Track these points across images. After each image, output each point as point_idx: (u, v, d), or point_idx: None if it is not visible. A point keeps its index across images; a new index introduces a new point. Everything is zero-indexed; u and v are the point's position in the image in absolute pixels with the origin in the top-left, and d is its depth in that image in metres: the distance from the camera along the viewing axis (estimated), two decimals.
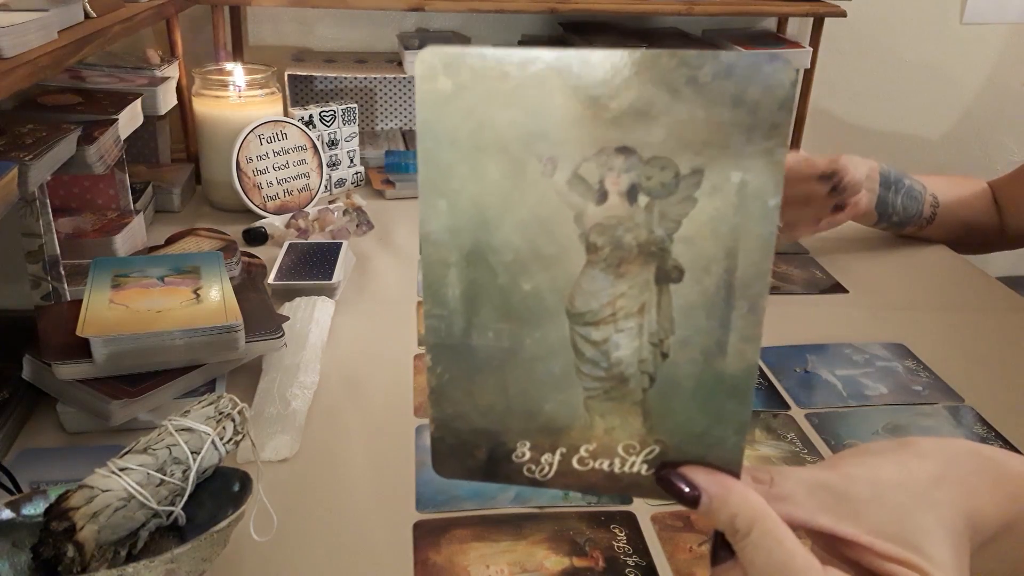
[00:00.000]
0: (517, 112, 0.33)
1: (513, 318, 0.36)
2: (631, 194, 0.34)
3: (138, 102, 0.99)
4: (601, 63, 0.33)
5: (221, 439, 0.54)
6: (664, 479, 0.38)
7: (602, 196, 0.34)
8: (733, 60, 0.32)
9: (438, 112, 0.34)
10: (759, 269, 0.34)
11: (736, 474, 0.37)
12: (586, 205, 0.34)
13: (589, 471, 0.39)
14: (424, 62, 0.33)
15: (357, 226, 1.07)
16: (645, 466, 0.38)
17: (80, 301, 0.71)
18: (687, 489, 0.37)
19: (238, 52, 1.40)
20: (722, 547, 0.38)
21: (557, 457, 0.39)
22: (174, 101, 1.14)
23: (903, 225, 1.05)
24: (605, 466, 0.39)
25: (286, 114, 1.16)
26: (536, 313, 0.36)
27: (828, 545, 0.38)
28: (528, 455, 0.39)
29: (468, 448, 0.39)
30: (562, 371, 0.37)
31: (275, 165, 1.11)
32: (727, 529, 0.36)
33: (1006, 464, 0.40)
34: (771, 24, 1.57)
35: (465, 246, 0.35)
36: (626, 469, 0.38)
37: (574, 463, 0.39)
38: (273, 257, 0.95)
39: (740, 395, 0.36)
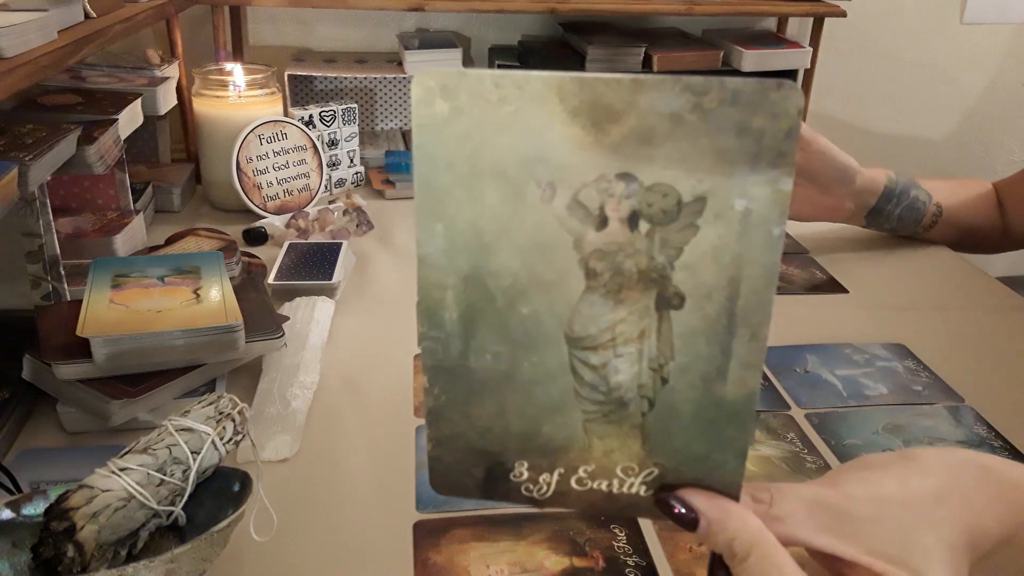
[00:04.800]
0: (515, 137, 0.33)
1: (511, 341, 0.36)
2: (632, 220, 0.34)
3: (138, 102, 0.99)
4: (602, 87, 0.32)
5: (221, 439, 0.54)
6: (662, 502, 0.38)
7: (602, 222, 0.34)
8: (739, 87, 0.31)
9: (435, 136, 0.33)
10: (762, 298, 0.34)
11: (735, 497, 0.37)
12: (586, 231, 0.34)
13: (587, 491, 0.39)
14: (421, 85, 0.32)
15: (357, 226, 1.07)
16: (644, 487, 0.38)
17: (80, 301, 0.71)
18: (685, 512, 0.37)
19: (238, 52, 1.40)
20: (719, 568, 0.38)
21: (555, 477, 0.39)
22: (174, 101, 1.14)
23: (897, 231, 1.05)
24: (603, 487, 0.39)
25: (286, 114, 1.16)
26: (534, 337, 0.36)
27: (827, 564, 0.38)
28: (526, 475, 0.39)
29: (465, 467, 0.39)
30: (560, 394, 0.37)
31: (275, 165, 1.11)
32: (725, 552, 0.36)
33: (1008, 476, 0.40)
34: (771, 24, 1.57)
35: (463, 270, 0.35)
36: (625, 490, 0.38)
37: (572, 483, 0.39)
38: (273, 257, 0.95)
39: (740, 421, 0.36)
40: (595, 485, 0.39)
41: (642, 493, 0.38)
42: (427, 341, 0.37)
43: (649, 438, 0.37)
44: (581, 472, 0.38)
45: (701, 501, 0.37)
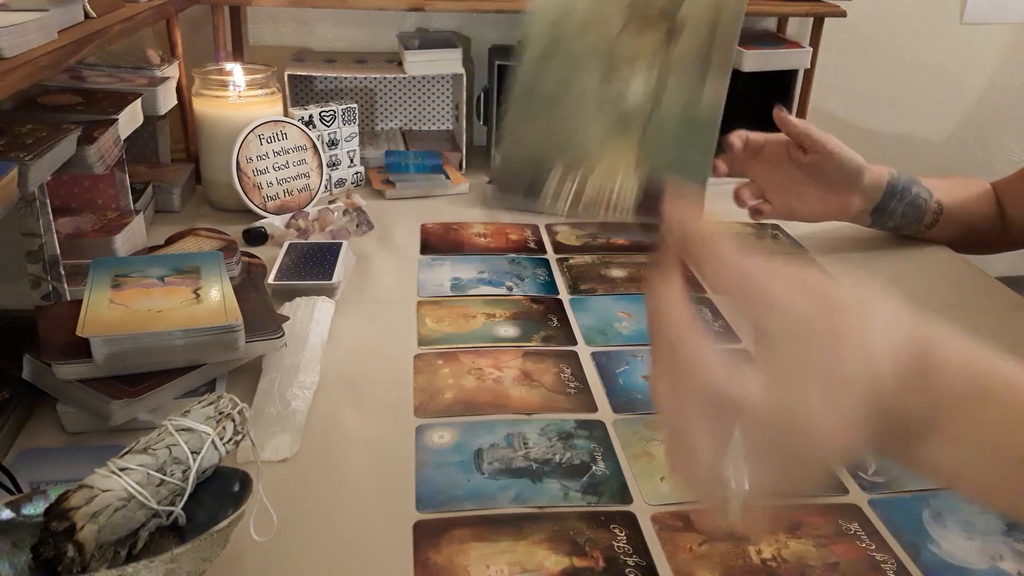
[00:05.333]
0: None
1: (568, 70, 0.49)
2: None
3: (138, 102, 0.99)
4: None
5: (221, 439, 0.54)
6: (644, 202, 0.48)
7: None
8: None
9: None
10: (731, 31, 0.49)
11: (703, 186, 0.50)
12: None
13: (595, 196, 0.50)
14: None
15: (357, 226, 1.07)
16: (634, 189, 0.49)
17: (80, 301, 0.71)
18: (657, 209, 0.44)
19: (238, 52, 1.40)
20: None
21: (575, 183, 0.50)
22: (174, 101, 1.14)
23: (900, 230, 1.05)
24: (607, 191, 0.49)
25: (286, 114, 1.16)
26: (583, 65, 0.48)
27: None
28: (556, 182, 0.50)
29: (520, 170, 0.52)
30: (594, 110, 0.49)
31: (275, 165, 1.11)
32: (679, 237, 0.43)
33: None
34: (771, 24, 1.57)
35: (553, 17, 0.49)
36: (622, 192, 0.49)
37: (587, 188, 0.50)
38: (273, 257, 0.95)
39: (708, 128, 0.49)
40: (602, 189, 0.49)
41: (632, 195, 0.49)
42: (518, 69, 0.49)
43: (641, 148, 0.49)
44: (594, 176, 0.49)
45: (671, 202, 0.44)
